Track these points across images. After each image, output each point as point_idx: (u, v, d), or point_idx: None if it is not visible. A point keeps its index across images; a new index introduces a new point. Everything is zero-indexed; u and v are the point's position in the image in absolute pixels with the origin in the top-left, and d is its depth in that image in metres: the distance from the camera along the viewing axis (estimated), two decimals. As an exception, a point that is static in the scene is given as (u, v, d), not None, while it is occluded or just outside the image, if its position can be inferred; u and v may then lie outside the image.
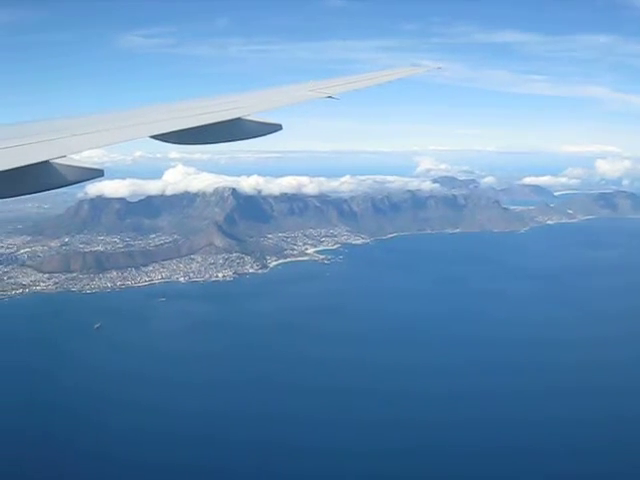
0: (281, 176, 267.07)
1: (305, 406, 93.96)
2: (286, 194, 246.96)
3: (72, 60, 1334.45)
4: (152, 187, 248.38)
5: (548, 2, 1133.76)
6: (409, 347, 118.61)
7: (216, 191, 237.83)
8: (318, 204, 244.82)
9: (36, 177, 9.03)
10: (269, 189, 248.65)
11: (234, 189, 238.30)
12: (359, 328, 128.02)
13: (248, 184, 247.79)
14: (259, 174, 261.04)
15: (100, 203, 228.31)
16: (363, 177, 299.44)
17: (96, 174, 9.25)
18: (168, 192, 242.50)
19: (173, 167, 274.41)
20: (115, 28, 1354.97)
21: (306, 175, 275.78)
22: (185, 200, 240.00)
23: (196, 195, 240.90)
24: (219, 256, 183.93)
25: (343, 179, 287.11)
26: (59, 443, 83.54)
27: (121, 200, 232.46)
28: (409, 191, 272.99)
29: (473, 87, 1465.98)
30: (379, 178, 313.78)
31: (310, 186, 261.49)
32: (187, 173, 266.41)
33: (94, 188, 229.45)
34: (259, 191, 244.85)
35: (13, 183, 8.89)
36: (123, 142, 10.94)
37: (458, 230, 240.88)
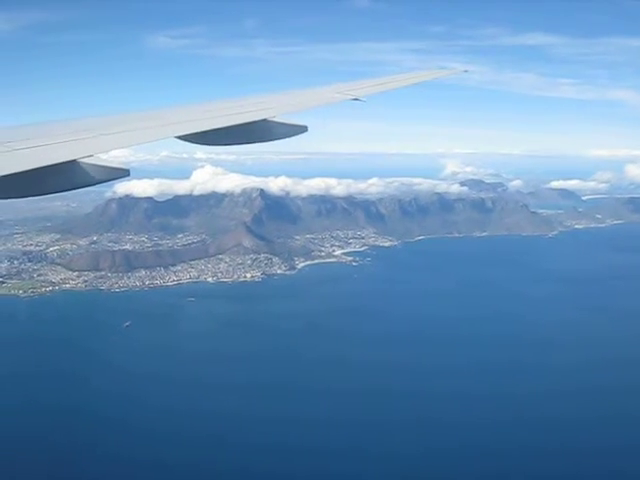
0: (307, 177, 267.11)
1: (337, 408, 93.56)
2: (314, 195, 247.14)
3: (100, 60, 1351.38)
4: (180, 187, 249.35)
5: (577, 4, 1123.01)
6: (442, 349, 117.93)
7: (244, 192, 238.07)
8: (345, 206, 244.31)
9: (64, 176, 9.18)
10: (297, 190, 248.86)
11: (262, 190, 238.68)
12: (391, 330, 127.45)
13: (276, 185, 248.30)
14: (286, 175, 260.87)
15: (128, 202, 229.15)
16: (390, 179, 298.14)
17: (122, 174, 9.33)
18: (196, 192, 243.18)
19: (201, 167, 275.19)
20: (143, 29, 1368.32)
21: (332, 177, 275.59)
22: (213, 200, 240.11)
23: (224, 195, 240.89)
24: (247, 257, 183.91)
25: (371, 181, 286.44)
26: (89, 446, 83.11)
27: (149, 199, 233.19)
28: (437, 194, 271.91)
29: (499, 90, 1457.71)
30: (406, 180, 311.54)
31: (338, 188, 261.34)
32: (215, 173, 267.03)
33: (122, 187, 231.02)
34: (287, 192, 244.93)
35: (42, 182, 9.06)
36: (149, 142, 11.10)
37: (486, 233, 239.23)
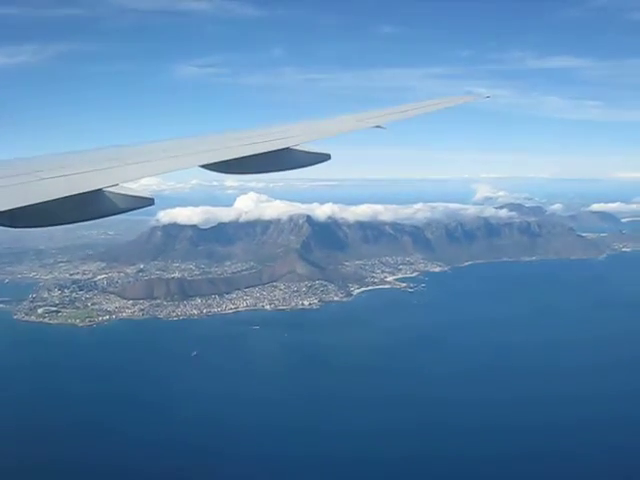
0: (341, 203, 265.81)
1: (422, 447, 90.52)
2: (360, 222, 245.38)
3: (127, 90, 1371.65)
4: (224, 214, 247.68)
5: (603, 27, 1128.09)
6: (532, 379, 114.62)
7: (291, 218, 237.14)
8: (392, 232, 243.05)
9: (90, 205, 9.30)
10: (343, 216, 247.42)
11: (309, 216, 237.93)
12: (474, 362, 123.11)
13: (322, 211, 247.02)
14: (318, 202, 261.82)
15: (173, 230, 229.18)
16: (434, 204, 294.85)
17: (146, 202, 9.36)
18: (241, 219, 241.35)
19: (244, 194, 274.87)
20: (171, 58, 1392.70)
21: (367, 203, 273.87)
22: (258, 227, 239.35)
23: (269, 222, 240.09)
24: (302, 284, 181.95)
25: (416, 206, 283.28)
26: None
27: (193, 227, 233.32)
28: (482, 218, 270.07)
29: (525, 113, 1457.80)
30: (443, 205, 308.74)
31: (385, 214, 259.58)
32: (259, 200, 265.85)
33: (167, 215, 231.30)
34: (334, 219, 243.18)
35: (69, 210, 9.18)
36: (173, 171, 11.41)
37: (535, 258, 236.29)
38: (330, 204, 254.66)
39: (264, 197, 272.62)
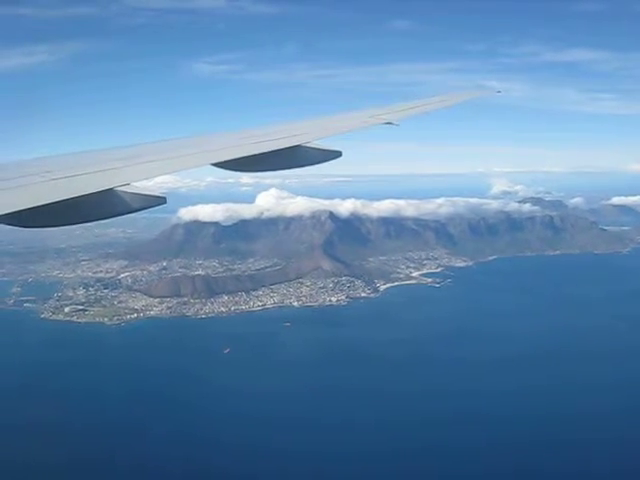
0: (371, 200, 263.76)
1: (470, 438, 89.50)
2: (383, 217, 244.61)
3: (140, 88, 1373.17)
4: (245, 211, 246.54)
5: (617, 19, 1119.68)
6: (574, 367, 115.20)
7: (313, 215, 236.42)
8: (414, 227, 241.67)
9: (102, 204, 9.21)
10: (366, 212, 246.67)
11: (331, 212, 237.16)
12: (510, 353, 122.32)
13: (344, 207, 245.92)
14: (337, 197, 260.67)
15: (194, 227, 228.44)
16: (455, 199, 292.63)
17: (159, 202, 9.28)
18: (263, 216, 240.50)
19: (265, 190, 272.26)
20: (183, 55, 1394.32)
21: (387, 198, 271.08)
22: (280, 224, 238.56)
23: (291, 219, 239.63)
24: (328, 280, 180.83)
25: (439, 201, 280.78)
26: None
27: (215, 224, 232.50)
28: (504, 212, 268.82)
29: (539, 107, 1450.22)
30: (463, 200, 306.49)
31: (409, 209, 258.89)
32: (280, 197, 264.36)
33: (188, 213, 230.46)
34: (356, 215, 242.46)
35: (80, 210, 9.11)
36: (185, 170, 11.47)
37: (558, 252, 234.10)
38: (352, 200, 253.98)
39: (285, 194, 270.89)
